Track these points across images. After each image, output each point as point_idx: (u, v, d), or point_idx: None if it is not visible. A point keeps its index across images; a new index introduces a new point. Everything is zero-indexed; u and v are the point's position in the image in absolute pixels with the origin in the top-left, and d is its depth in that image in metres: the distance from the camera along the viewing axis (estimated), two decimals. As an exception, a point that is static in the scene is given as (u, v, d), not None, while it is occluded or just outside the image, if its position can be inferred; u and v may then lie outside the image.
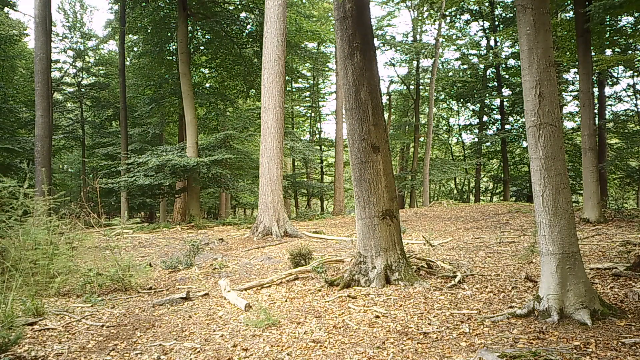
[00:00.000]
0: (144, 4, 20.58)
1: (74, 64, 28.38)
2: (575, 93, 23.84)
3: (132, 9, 21.09)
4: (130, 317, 5.35)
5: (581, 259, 4.30)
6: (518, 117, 28.63)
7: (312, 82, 32.27)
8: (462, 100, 31.12)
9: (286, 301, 5.66)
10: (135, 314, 5.51)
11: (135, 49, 25.53)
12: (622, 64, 18.61)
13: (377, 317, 4.66)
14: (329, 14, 26.93)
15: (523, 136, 26.64)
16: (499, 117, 29.03)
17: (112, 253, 6.96)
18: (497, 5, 26.08)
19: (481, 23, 28.18)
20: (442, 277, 6.15)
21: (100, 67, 29.31)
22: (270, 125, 12.73)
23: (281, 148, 12.94)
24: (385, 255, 5.98)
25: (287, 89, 28.50)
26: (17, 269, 6.05)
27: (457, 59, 30.69)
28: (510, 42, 25.47)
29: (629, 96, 23.45)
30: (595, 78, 18.17)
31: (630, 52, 16.80)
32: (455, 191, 36.34)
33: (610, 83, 22.29)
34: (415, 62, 29.33)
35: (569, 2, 13.85)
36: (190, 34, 22.05)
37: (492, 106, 30.29)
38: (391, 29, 67.54)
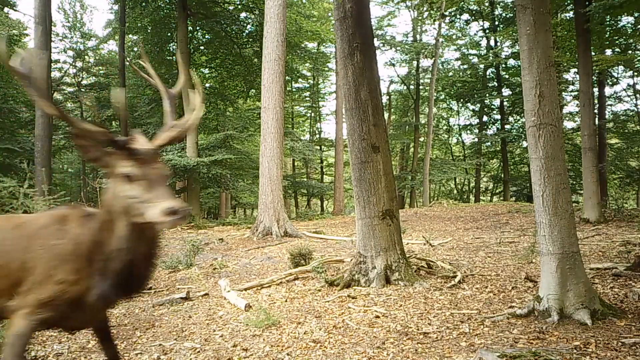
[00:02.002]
0: (144, 4, 20.59)
1: (74, 64, 28.37)
2: (575, 93, 23.81)
3: (132, 9, 21.10)
4: (130, 317, 5.35)
5: (581, 259, 4.30)
6: (518, 117, 28.63)
7: (312, 82, 32.24)
8: (462, 100, 31.10)
9: (286, 301, 5.66)
10: (135, 313, 5.51)
11: (135, 49, 25.53)
12: (622, 64, 18.61)
13: (377, 317, 4.66)
14: (329, 14, 26.91)
15: (523, 136, 26.62)
16: (499, 117, 29.01)
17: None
18: (497, 5, 26.07)
19: (481, 23, 28.17)
20: (442, 277, 6.14)
21: (100, 67, 29.29)
22: (270, 125, 12.73)
23: (281, 148, 12.94)
24: (385, 255, 5.98)
25: (287, 89, 28.49)
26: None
27: (457, 59, 30.67)
28: (510, 42, 25.46)
29: (629, 96, 23.46)
30: (595, 78, 18.15)
31: (630, 52, 16.80)
32: (455, 191, 36.30)
33: (610, 83, 22.29)
34: (415, 62, 29.32)
35: (569, 2, 13.84)
36: (190, 34, 22.05)
37: (492, 106, 30.27)
38: (391, 29, 67.38)
